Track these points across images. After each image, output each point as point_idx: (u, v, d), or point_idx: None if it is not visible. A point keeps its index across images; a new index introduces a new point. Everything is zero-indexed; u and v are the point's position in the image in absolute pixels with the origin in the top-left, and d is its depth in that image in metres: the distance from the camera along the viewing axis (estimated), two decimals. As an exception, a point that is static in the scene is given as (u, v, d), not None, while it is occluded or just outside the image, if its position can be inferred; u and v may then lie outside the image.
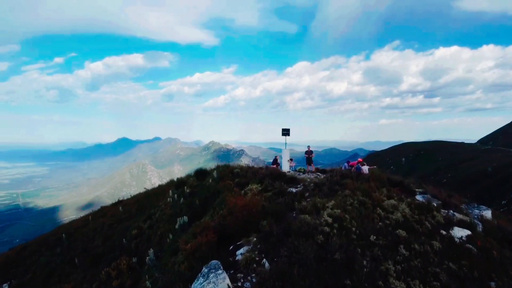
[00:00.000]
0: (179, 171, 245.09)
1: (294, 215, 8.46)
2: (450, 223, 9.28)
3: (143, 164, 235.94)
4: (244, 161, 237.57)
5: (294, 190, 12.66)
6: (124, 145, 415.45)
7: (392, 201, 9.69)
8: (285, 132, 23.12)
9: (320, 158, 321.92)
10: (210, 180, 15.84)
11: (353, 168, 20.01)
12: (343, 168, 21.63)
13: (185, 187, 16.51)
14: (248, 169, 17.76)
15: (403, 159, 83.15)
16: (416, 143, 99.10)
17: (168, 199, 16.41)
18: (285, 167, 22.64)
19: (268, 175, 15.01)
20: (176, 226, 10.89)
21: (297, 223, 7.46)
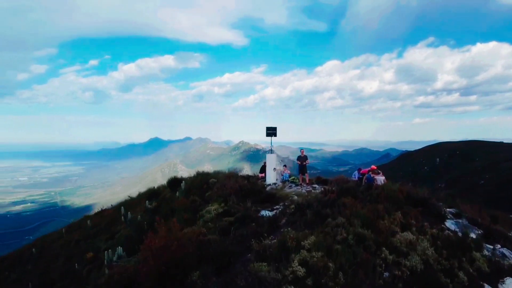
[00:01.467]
0: (209, 171, 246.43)
1: (249, 259, 5.56)
2: (499, 272, 6.04)
3: (174, 164, 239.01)
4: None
5: (268, 213, 9.65)
6: (156, 145, 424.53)
7: (409, 235, 6.63)
8: (271, 131, 18.31)
9: (351, 158, 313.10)
10: (177, 194, 13.14)
11: (364, 178, 16.03)
12: (352, 177, 17.66)
13: (152, 201, 13.88)
14: (227, 178, 14.97)
15: (437, 159, 78.04)
16: (451, 143, 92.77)
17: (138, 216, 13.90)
18: (270, 177, 18.17)
19: (237, 190, 11.70)
20: (114, 258, 8.40)
21: (245, 279, 4.59)
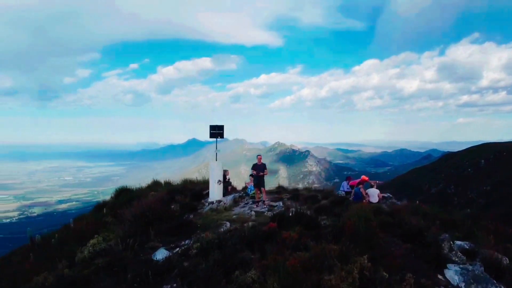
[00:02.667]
0: (245, 172, 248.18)
1: None
2: None
3: None
4: (310, 163, 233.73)
5: (165, 254, 7.09)
6: (194, 145, 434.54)
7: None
8: (215, 131, 14.53)
9: (390, 159, 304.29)
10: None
11: (352, 191, 13.87)
12: (340, 190, 15.79)
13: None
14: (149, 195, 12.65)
15: (482, 161, 75.99)
16: (498, 143, 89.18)
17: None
18: (214, 193, 14.42)
19: (137, 216, 9.28)
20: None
21: None
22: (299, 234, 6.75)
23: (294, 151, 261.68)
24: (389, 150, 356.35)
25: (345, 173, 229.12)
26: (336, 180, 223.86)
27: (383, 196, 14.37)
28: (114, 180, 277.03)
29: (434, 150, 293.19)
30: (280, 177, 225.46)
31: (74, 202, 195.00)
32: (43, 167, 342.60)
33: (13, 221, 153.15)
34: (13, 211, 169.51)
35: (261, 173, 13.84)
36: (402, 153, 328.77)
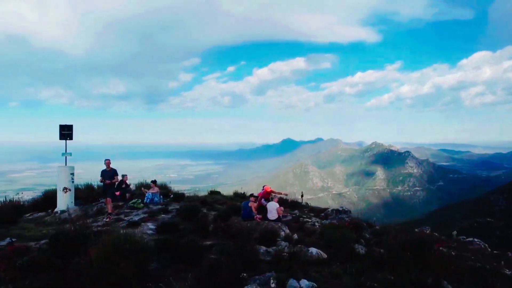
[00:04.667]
0: (340, 172, 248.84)
1: None
2: None
3: (305, 164, 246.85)
4: (410, 164, 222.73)
5: None
6: (288, 145, 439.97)
7: None
8: (65, 131, 13.99)
9: (506, 161, 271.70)
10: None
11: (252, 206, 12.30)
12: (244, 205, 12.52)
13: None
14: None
15: None
16: None
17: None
18: (60, 201, 13.55)
19: None
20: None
21: None
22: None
23: (392, 151, 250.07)
24: (504, 151, 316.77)
25: (451, 176, 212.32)
26: (441, 183, 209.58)
27: (288, 211, 13.44)
28: (214, 178, 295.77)
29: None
30: (377, 178, 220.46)
31: None
32: (152, 165, 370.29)
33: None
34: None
35: (108, 181, 12.74)
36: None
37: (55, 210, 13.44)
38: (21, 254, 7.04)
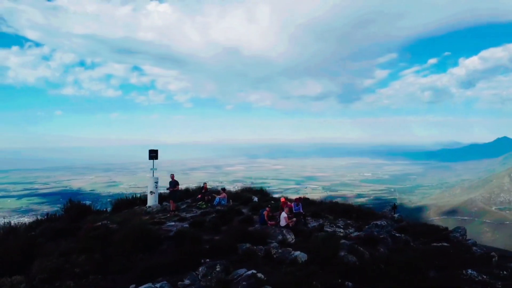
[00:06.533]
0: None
1: None
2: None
3: None
4: None
5: None
6: (504, 145, 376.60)
7: None
8: (153, 155, 19.57)
9: None
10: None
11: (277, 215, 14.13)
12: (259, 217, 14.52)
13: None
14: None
15: None
16: None
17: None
18: (149, 200, 19.20)
19: None
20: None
21: None
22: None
23: None
24: None
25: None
26: None
27: (299, 219, 14.67)
28: (411, 179, 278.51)
29: None
30: None
31: (372, 197, 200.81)
32: (346, 163, 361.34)
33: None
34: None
35: (172, 189, 18.29)
36: None
37: (146, 205, 18.83)
38: (94, 230, 11.76)
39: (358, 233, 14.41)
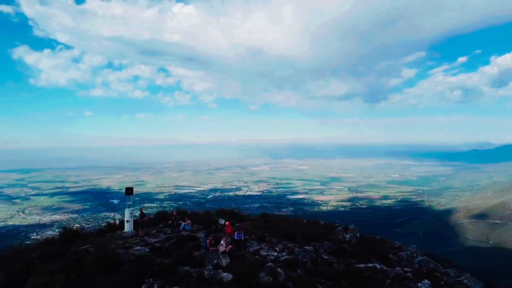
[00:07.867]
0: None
1: None
2: None
3: None
4: None
5: None
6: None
7: None
8: (128, 192, 22.41)
9: None
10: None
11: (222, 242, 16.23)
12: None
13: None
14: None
15: None
16: None
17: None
18: (126, 227, 21.82)
19: None
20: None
21: None
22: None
23: None
24: None
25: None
26: None
27: (241, 245, 16.88)
28: (440, 180, 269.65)
29: None
30: None
31: (399, 199, 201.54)
32: (372, 164, 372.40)
33: (346, 210, 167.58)
34: (347, 201, 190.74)
35: (141, 220, 21.10)
36: None
37: (124, 231, 21.70)
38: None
39: (288, 257, 16.92)
